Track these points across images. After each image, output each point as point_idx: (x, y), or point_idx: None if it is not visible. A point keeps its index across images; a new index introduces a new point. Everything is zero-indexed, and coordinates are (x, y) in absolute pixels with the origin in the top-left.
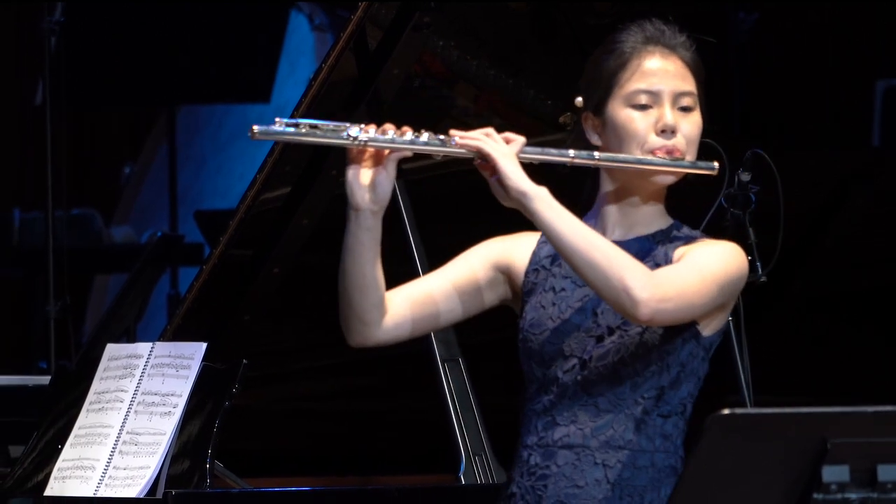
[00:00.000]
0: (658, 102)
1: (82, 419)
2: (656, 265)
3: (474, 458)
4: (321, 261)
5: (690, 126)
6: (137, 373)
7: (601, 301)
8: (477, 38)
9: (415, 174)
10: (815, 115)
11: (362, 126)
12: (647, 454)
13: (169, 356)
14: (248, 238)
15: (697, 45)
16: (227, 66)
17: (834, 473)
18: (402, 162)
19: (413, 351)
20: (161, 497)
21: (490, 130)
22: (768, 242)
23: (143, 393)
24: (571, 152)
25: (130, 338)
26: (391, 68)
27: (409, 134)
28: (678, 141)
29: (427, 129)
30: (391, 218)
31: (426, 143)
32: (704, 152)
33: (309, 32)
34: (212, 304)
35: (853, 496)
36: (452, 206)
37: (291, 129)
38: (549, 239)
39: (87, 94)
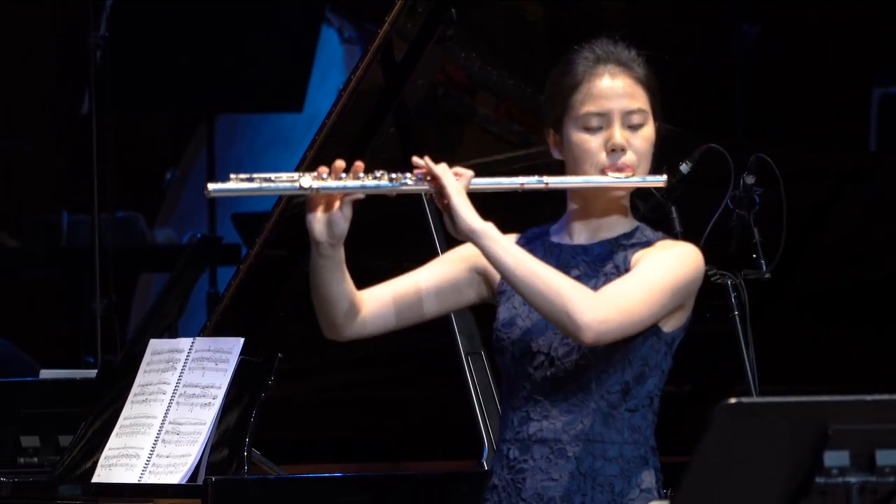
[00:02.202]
0: (608, 123)
1: (127, 410)
2: (615, 268)
3: (496, 445)
4: (350, 261)
5: (640, 141)
6: (179, 366)
7: None
8: (496, 48)
9: None
10: (813, 122)
11: (315, 173)
12: (617, 446)
13: (209, 350)
14: (282, 239)
15: (650, 60)
16: (262, 77)
17: (835, 458)
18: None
19: (437, 344)
20: (202, 483)
21: (443, 165)
22: (771, 241)
23: (184, 385)
24: (521, 179)
25: (172, 333)
26: (416, 78)
27: (361, 175)
28: (628, 158)
29: (381, 170)
30: (420, 226)
31: (377, 186)
32: (711, 156)
33: (339, 45)
34: (248, 302)
35: (853, 480)
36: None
37: (245, 185)
38: (498, 271)
39: (131, 104)
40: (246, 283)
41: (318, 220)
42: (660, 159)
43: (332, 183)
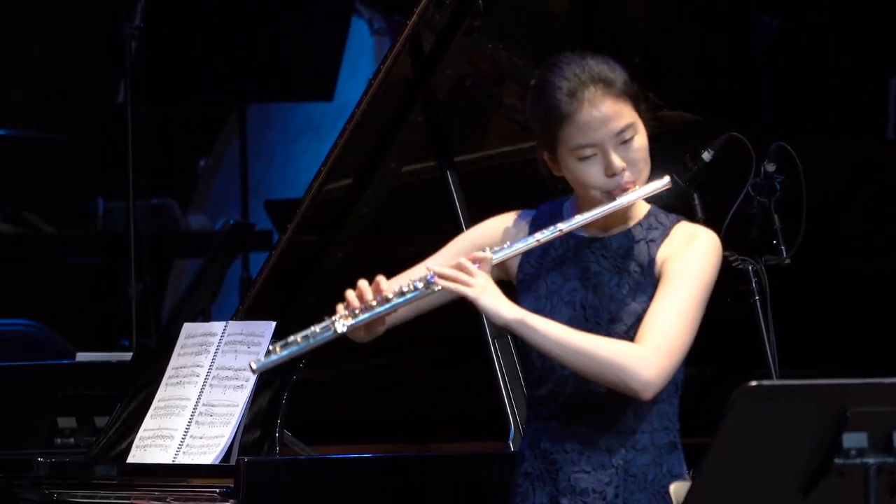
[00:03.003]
0: (602, 150)
1: (161, 392)
2: (639, 266)
3: (521, 427)
4: (381, 246)
5: (635, 153)
6: (212, 349)
7: (588, 296)
8: (522, 39)
9: (470, 165)
10: (831, 112)
11: (346, 312)
12: (647, 435)
13: (241, 334)
14: (313, 225)
15: (624, 63)
16: (293, 67)
17: (853, 440)
18: (457, 153)
19: (466, 329)
20: (234, 464)
21: (461, 261)
22: (791, 228)
23: (217, 368)
24: (537, 235)
25: (206, 317)
26: (444, 69)
27: (389, 296)
28: (628, 176)
29: (406, 278)
30: (445, 208)
31: (406, 300)
32: (733, 145)
33: (368, 36)
34: (280, 287)
35: (871, 461)
36: (502, 193)
37: (286, 352)
38: (541, 352)
39: (165, 94)
40: (278, 269)
41: (357, 335)
42: (682, 148)
43: (364, 316)
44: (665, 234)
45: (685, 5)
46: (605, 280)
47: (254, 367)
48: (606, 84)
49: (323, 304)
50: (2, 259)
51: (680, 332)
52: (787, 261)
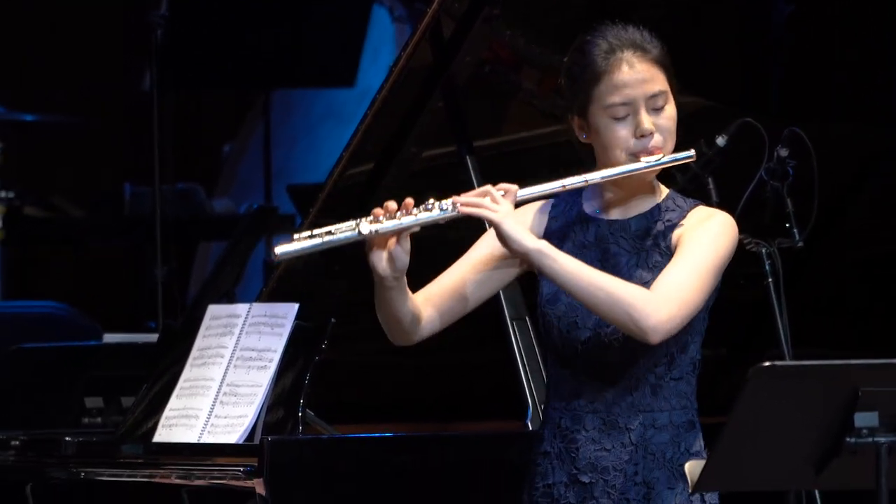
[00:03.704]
0: (634, 110)
1: (187, 372)
2: (656, 245)
3: (539, 407)
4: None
5: (665, 121)
6: (236, 331)
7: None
8: (539, 25)
9: (489, 150)
10: (839, 102)
11: (371, 217)
12: (666, 413)
13: (265, 315)
14: (335, 209)
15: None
16: (316, 54)
17: (865, 419)
18: (476, 138)
19: (484, 310)
20: (258, 443)
21: (487, 188)
22: (804, 211)
23: (241, 349)
24: (563, 181)
25: (230, 299)
26: (463, 56)
27: (413, 210)
28: (656, 141)
29: (432, 198)
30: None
31: (430, 217)
32: (747, 131)
33: (390, 24)
34: (303, 269)
35: (882, 440)
36: (521, 178)
37: (308, 243)
38: (556, 284)
39: (190, 80)
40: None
41: (380, 259)
42: (697, 133)
43: (388, 224)
44: (682, 216)
45: None
46: (623, 261)
47: (277, 252)
48: (643, 50)
49: (345, 287)
50: (31, 242)
51: (692, 288)
52: (800, 244)
